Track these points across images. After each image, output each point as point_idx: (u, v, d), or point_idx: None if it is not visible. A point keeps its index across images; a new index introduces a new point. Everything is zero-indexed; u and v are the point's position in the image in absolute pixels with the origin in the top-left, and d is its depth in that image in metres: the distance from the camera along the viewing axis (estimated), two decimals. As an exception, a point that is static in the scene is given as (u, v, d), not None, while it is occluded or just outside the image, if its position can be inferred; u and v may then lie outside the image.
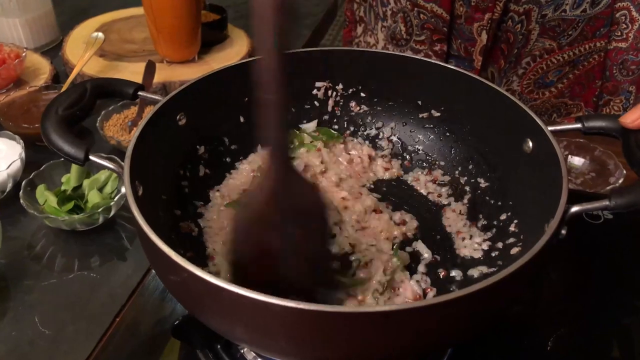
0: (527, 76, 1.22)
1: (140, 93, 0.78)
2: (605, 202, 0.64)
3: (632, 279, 0.93)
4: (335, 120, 0.99)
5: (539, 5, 1.12)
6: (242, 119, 0.92)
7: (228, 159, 0.93)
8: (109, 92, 0.78)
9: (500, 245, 0.81)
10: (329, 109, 0.98)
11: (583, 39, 1.16)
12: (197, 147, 0.88)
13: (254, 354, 0.75)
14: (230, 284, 0.51)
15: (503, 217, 0.83)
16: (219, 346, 0.76)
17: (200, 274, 0.52)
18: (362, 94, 0.96)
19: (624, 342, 0.83)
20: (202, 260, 0.79)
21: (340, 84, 0.95)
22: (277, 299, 0.49)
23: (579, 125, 0.75)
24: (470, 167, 0.91)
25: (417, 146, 0.96)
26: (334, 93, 0.96)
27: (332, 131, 0.97)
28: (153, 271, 0.91)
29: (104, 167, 0.66)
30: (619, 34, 1.15)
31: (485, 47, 1.18)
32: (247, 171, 0.93)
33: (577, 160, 1.10)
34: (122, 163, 0.68)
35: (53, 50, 1.48)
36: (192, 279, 0.53)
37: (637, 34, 1.15)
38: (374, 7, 1.36)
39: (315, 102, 0.97)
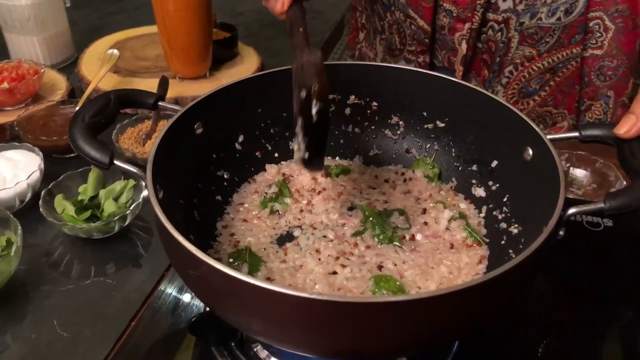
0: (511, 85, 1.26)
1: (160, 103, 0.82)
2: (600, 205, 0.66)
3: (630, 284, 0.95)
4: (342, 135, 1.02)
5: (517, 14, 1.17)
6: (256, 128, 0.96)
7: (245, 167, 0.96)
8: (132, 101, 0.82)
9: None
10: (337, 123, 1.01)
11: (560, 46, 1.21)
12: (214, 154, 0.91)
13: (267, 352, 0.78)
14: (249, 276, 0.54)
15: (504, 222, 0.86)
16: (233, 344, 0.79)
17: (219, 267, 0.55)
18: (370, 108, 0.99)
19: (617, 349, 0.85)
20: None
21: (350, 97, 0.99)
22: (292, 290, 0.53)
23: (576, 134, 0.78)
24: (473, 174, 0.94)
25: (423, 155, 0.99)
26: (341, 107, 1.00)
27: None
28: (166, 277, 0.94)
29: (127, 171, 0.69)
30: (594, 41, 1.20)
31: (466, 57, 1.23)
32: (263, 180, 0.97)
33: (578, 172, 1.12)
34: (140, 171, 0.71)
35: (69, 67, 1.52)
36: (211, 273, 0.56)
37: (611, 42, 1.20)
38: (372, 22, 1.41)
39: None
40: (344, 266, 0.80)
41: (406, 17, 1.28)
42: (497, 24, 1.19)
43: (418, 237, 0.86)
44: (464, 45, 1.22)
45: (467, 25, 1.19)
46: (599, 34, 1.19)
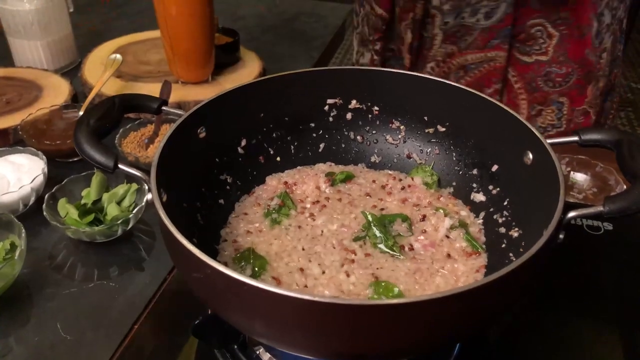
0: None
1: (163, 108, 0.82)
2: (600, 208, 0.66)
3: (631, 287, 0.95)
4: (344, 140, 1.03)
5: (442, 13, 1.22)
6: (258, 132, 0.96)
7: (248, 171, 0.96)
8: (135, 106, 0.82)
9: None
10: (339, 127, 1.02)
11: (475, 47, 1.25)
12: (217, 158, 0.91)
13: (270, 355, 0.78)
14: (252, 278, 0.54)
15: (504, 226, 0.86)
16: (235, 346, 0.80)
17: (223, 269, 0.55)
18: (371, 112, 1.00)
19: (618, 352, 0.85)
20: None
21: (352, 101, 0.99)
22: (294, 292, 0.53)
23: (575, 138, 0.78)
24: (473, 178, 0.94)
25: (424, 160, 1.00)
26: (343, 111, 1.00)
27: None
28: (169, 281, 0.94)
29: (131, 175, 0.69)
30: (538, 47, 1.21)
31: (412, 45, 1.28)
32: (271, 184, 0.97)
33: (579, 176, 1.12)
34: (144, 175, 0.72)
35: (72, 71, 1.54)
36: (215, 275, 0.56)
37: (557, 48, 1.21)
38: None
39: (330, 118, 1.00)
40: (347, 272, 0.80)
41: (371, 9, 1.34)
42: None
43: (416, 246, 0.86)
44: (408, 35, 1.26)
45: (411, 14, 1.24)
46: (542, 40, 1.20)
